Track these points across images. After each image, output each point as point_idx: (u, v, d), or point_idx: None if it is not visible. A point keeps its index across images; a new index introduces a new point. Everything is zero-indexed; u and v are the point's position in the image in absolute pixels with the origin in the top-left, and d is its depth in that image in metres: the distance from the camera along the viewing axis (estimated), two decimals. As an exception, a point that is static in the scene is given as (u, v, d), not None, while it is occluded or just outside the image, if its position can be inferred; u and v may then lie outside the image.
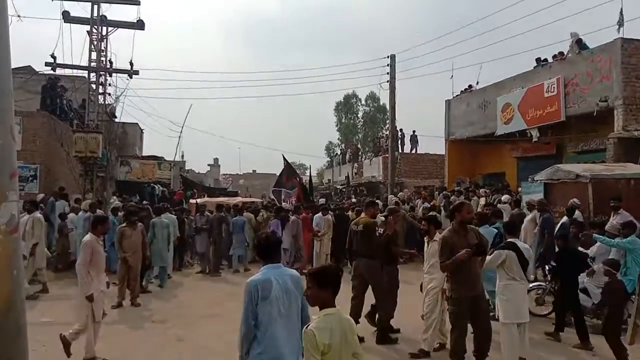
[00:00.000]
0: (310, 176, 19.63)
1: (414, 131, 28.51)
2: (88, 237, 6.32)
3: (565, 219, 10.01)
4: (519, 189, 14.22)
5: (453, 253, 5.30)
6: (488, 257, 5.84)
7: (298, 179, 15.68)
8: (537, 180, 12.07)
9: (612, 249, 7.94)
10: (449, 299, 5.62)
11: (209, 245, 13.06)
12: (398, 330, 7.17)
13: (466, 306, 5.41)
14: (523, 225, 10.57)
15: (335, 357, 3.00)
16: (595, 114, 13.79)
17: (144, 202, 17.71)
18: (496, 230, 8.04)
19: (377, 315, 7.16)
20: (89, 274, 6.05)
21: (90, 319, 5.97)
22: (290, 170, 15.68)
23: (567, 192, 10.93)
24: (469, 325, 5.61)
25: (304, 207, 14.06)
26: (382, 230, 6.95)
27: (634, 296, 6.50)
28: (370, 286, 7.03)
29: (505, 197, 13.58)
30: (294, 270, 4.03)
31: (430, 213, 9.52)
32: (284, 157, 16.60)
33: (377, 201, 9.47)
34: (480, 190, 16.12)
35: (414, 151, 28.45)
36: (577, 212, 10.19)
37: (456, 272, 5.41)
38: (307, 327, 3.06)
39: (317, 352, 2.94)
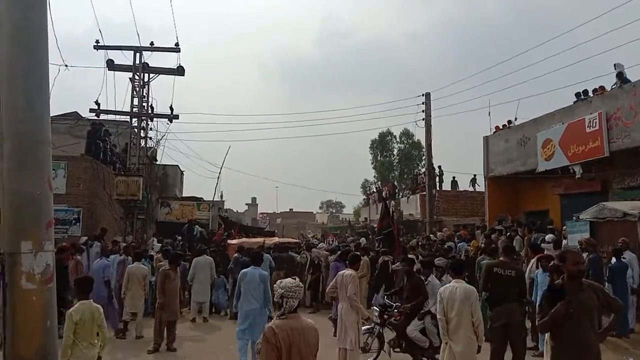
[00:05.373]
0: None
1: (453, 177, 28.87)
2: (352, 272, 7.47)
3: (614, 260, 9.54)
4: (564, 227, 13.65)
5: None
6: None
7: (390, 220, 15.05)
8: (582, 219, 11.60)
9: None
10: None
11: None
12: None
13: None
14: None
15: (87, 327, 5.18)
16: (640, 149, 13.27)
17: (180, 242, 17.77)
18: None
19: None
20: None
21: (357, 343, 7.12)
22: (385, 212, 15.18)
23: (614, 231, 10.45)
24: None
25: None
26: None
27: None
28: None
29: (549, 237, 12.88)
30: (263, 270, 8.01)
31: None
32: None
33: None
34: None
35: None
36: (628, 252, 9.71)
37: (556, 334, 4.38)
38: (69, 310, 5.32)
39: (72, 323, 5.10)
